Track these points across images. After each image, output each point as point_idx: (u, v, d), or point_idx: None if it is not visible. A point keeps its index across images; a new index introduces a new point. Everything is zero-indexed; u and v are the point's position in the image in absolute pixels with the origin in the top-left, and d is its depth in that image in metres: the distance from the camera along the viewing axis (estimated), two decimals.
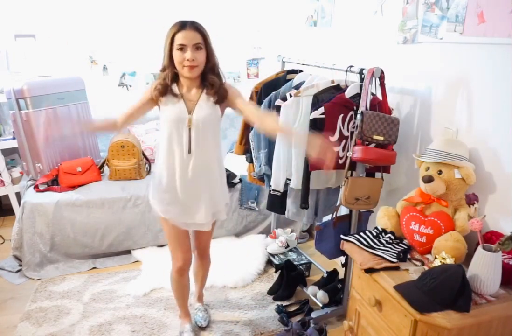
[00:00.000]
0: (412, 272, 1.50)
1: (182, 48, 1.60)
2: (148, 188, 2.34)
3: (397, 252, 1.61)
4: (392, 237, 1.73)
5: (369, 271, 1.55)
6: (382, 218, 1.80)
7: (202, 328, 2.17)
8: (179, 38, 1.60)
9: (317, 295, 2.28)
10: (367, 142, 1.86)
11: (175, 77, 1.72)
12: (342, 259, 2.24)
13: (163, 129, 1.76)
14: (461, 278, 1.31)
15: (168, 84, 1.69)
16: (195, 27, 1.62)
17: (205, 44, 1.64)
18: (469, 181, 1.59)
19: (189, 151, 1.71)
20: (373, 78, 1.91)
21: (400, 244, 1.69)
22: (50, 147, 2.88)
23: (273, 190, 2.22)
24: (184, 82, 1.72)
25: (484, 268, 1.35)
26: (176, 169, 1.74)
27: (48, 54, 3.21)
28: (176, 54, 1.62)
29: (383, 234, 1.76)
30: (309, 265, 2.67)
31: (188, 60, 1.60)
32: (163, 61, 1.70)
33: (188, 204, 1.79)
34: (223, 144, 3.52)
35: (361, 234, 1.78)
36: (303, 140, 1.54)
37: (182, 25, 1.61)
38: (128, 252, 2.87)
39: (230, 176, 2.92)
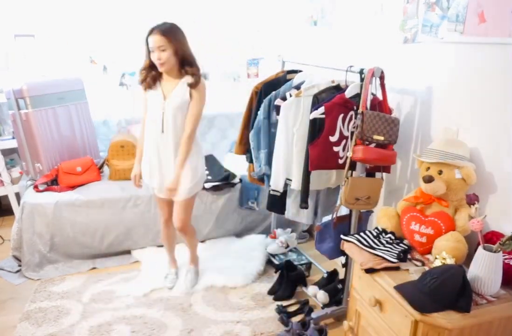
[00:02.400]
0: (412, 272, 1.50)
1: (152, 50, 2.00)
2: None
3: (397, 252, 1.61)
4: (392, 237, 1.73)
5: (370, 271, 1.55)
6: (382, 218, 1.80)
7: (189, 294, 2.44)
8: (149, 42, 2.00)
9: (317, 295, 2.27)
10: (367, 142, 1.85)
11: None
12: (342, 259, 2.23)
13: (147, 112, 2.22)
14: (462, 279, 1.31)
15: (156, 77, 2.13)
16: (160, 31, 1.97)
17: (169, 44, 1.98)
18: (469, 181, 1.59)
19: (162, 131, 2.14)
20: (373, 78, 1.90)
21: (401, 244, 1.69)
22: (49, 147, 2.87)
23: (273, 190, 2.22)
24: (164, 74, 2.14)
25: (485, 268, 1.35)
26: (153, 144, 2.20)
27: (48, 54, 3.20)
28: (150, 54, 2.04)
29: (383, 234, 1.76)
30: (309, 265, 2.66)
31: (157, 59, 2.01)
32: (146, 59, 2.11)
33: (162, 171, 2.22)
34: (223, 144, 3.54)
35: (361, 234, 1.77)
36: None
37: (150, 31, 1.99)
38: (128, 252, 2.87)
39: (230, 175, 2.92)
